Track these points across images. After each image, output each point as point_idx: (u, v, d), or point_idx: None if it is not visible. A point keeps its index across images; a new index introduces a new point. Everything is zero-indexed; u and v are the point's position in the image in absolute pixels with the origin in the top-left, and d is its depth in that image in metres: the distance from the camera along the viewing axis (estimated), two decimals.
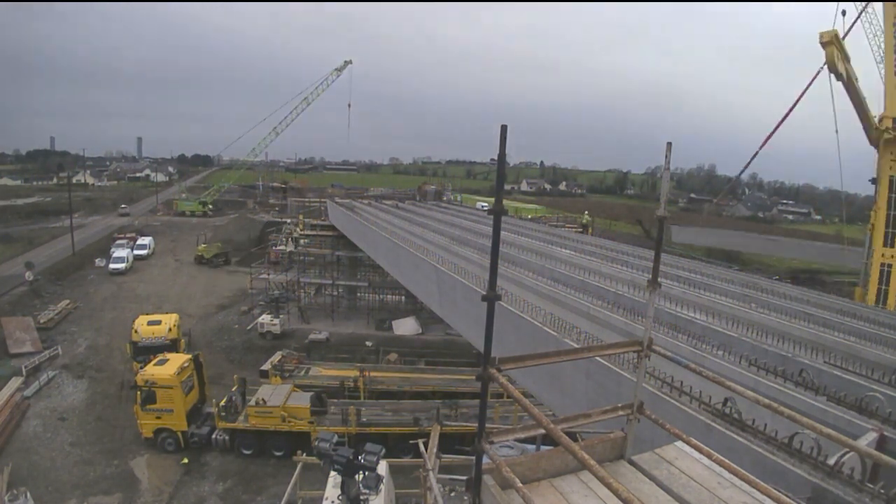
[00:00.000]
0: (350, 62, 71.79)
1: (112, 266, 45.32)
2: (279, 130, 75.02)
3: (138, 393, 20.69)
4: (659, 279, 4.35)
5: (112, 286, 41.82)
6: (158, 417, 20.84)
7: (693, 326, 10.17)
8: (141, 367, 21.97)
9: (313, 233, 36.98)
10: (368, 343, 31.15)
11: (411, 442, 9.08)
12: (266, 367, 25.39)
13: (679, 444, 4.24)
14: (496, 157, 3.43)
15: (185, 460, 20.35)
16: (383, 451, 6.64)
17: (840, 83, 25.70)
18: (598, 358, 8.91)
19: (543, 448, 5.12)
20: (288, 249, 37.86)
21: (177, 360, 21.87)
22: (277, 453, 20.74)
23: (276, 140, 76.24)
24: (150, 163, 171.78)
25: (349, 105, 72.08)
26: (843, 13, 26.24)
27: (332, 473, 10.97)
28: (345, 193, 49.10)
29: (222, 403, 21.39)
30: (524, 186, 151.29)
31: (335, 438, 6.33)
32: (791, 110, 29.82)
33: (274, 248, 39.64)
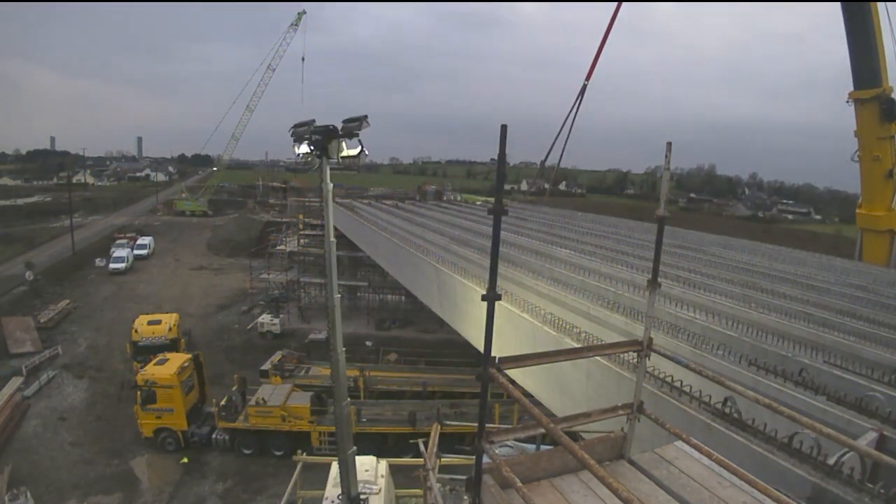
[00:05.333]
0: (304, 13, 69.52)
1: (112, 266, 45.32)
2: (252, 107, 74.00)
3: (138, 393, 20.69)
4: (658, 279, 4.35)
5: (112, 286, 41.80)
6: (159, 417, 20.84)
7: (693, 326, 10.16)
8: (141, 367, 21.98)
9: (313, 233, 36.98)
10: (368, 343, 31.14)
11: (411, 441, 9.10)
12: (266, 366, 25.39)
13: (679, 443, 4.25)
14: (496, 157, 3.44)
15: (185, 460, 20.35)
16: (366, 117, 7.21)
17: None
18: (598, 358, 8.91)
19: (543, 448, 5.12)
20: (288, 249, 37.90)
21: (177, 360, 21.87)
22: (277, 453, 20.74)
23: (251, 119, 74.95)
24: (151, 162, 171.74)
25: (303, 59, 69.72)
26: None
27: (333, 474, 11.00)
28: (345, 193, 49.10)
29: (222, 403, 21.39)
30: (524, 186, 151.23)
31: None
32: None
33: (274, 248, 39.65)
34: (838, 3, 22.12)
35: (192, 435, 21.14)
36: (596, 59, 27.31)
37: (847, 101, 22.79)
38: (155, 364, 21.62)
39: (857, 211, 24.17)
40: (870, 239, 23.64)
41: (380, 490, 11.07)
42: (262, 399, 21.19)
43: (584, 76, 28.52)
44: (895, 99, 21.94)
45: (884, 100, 21.80)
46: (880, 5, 21.52)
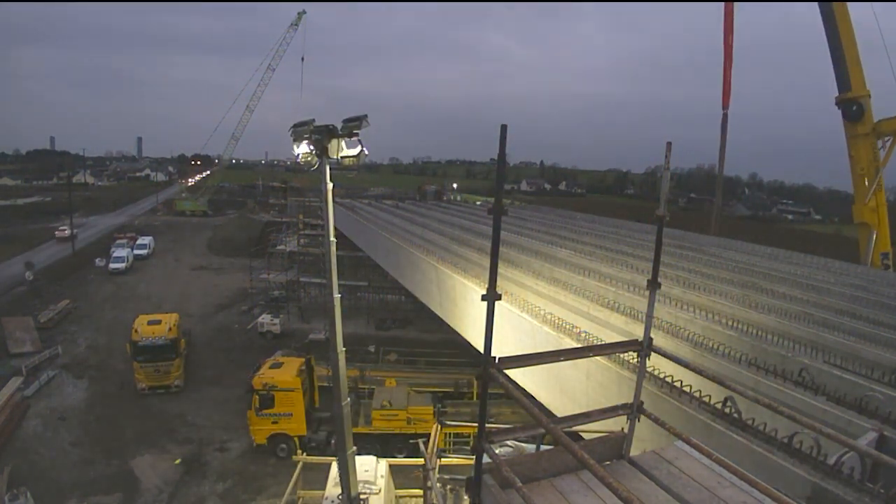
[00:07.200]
0: (304, 12, 68.84)
1: (112, 266, 45.27)
2: (252, 107, 73.67)
3: (255, 397, 20.08)
4: (658, 279, 4.36)
5: (112, 286, 41.76)
6: (275, 423, 20.33)
7: (693, 326, 10.17)
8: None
9: (314, 233, 37.01)
10: (371, 348, 31.09)
11: (411, 441, 9.11)
12: None
13: (679, 443, 4.25)
14: (496, 157, 3.44)
15: (178, 461, 20.28)
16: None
17: None
18: (597, 358, 8.92)
19: (543, 448, 5.13)
20: (288, 249, 37.91)
21: (294, 363, 21.46)
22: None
23: (252, 119, 74.65)
24: (150, 162, 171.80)
25: (303, 59, 67.93)
26: None
27: (333, 474, 11.00)
28: (345, 193, 49.05)
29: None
30: (524, 186, 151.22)
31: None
32: None
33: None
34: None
35: (310, 441, 20.51)
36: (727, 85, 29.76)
37: (836, 105, 25.34)
38: (270, 367, 21.18)
39: (853, 207, 26.74)
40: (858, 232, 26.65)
41: (380, 490, 11.07)
42: (388, 402, 20.86)
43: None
44: (855, 100, 24.45)
45: (847, 102, 24.57)
46: (850, 11, 23.48)
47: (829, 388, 7.28)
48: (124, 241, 52.70)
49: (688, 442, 3.97)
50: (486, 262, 4.12)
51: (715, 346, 9.07)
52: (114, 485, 18.80)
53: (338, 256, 8.80)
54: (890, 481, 4.35)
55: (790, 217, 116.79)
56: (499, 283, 3.56)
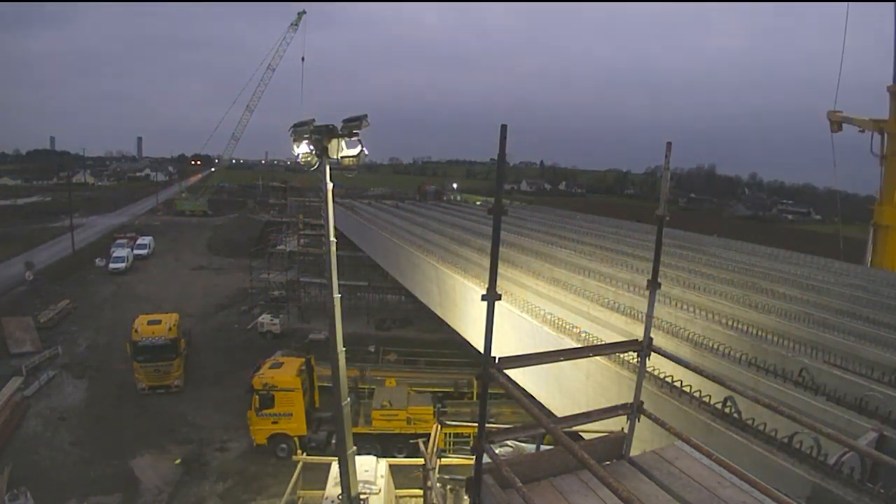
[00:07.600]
0: (304, 13, 68.70)
1: (112, 266, 45.30)
2: (252, 107, 73.64)
3: (255, 397, 19.99)
4: (658, 279, 4.36)
5: (112, 286, 41.77)
6: (275, 423, 20.31)
7: (693, 326, 10.17)
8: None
9: (314, 233, 37.00)
10: (371, 348, 31.11)
11: (411, 441, 9.12)
12: None
13: (679, 443, 4.25)
14: (496, 157, 3.44)
15: (178, 461, 20.28)
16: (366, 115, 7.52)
17: None
18: (597, 358, 8.92)
19: (543, 448, 5.13)
20: (288, 249, 37.91)
21: (294, 363, 21.43)
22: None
23: (252, 119, 74.75)
24: (150, 162, 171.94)
25: (303, 59, 67.06)
26: None
27: (333, 474, 11.01)
28: (345, 193, 49.05)
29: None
30: (524, 186, 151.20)
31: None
32: None
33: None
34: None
35: (310, 441, 20.47)
36: None
37: (888, 90, 22.88)
38: (270, 367, 21.14)
39: (877, 206, 24.14)
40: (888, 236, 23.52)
41: (380, 490, 11.08)
42: (388, 402, 20.87)
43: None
44: None
45: None
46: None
47: (829, 388, 7.28)
48: (124, 241, 52.69)
49: (688, 442, 3.97)
50: (486, 262, 4.12)
51: (715, 346, 9.07)
52: (114, 485, 18.80)
53: (338, 256, 8.81)
54: (890, 481, 4.35)
55: (790, 217, 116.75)
56: (499, 283, 3.56)
